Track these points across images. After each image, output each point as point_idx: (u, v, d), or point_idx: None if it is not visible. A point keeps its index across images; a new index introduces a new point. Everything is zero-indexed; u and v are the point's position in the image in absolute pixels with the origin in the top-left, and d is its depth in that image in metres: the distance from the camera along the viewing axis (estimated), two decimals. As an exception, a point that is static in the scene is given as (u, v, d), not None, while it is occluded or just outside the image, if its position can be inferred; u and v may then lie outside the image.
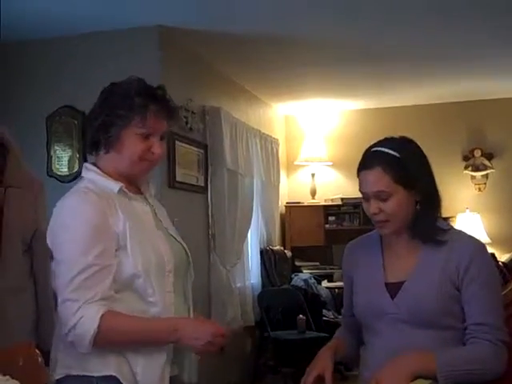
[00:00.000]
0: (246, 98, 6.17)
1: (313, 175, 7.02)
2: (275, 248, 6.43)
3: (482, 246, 1.97)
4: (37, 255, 2.64)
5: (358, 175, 1.95)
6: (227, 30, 4.51)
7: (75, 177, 4.35)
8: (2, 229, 2.53)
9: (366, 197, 1.93)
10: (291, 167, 7.25)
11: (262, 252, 6.19)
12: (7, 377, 1.35)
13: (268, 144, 6.40)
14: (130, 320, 1.84)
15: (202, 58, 5.03)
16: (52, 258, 1.88)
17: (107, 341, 1.79)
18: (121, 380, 1.83)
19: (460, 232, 2.02)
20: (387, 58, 5.30)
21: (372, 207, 1.91)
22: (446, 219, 2.09)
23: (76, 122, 4.38)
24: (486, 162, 6.79)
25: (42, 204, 2.73)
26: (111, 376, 1.83)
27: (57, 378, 1.90)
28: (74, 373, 1.86)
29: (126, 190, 1.92)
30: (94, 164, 1.96)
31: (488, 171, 6.79)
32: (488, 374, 1.81)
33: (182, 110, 4.56)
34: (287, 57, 5.17)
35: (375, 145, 1.97)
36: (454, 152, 6.83)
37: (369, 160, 1.93)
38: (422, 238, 1.94)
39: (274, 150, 6.59)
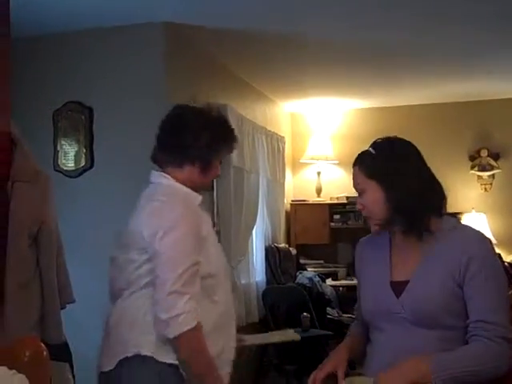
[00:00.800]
0: (253, 96, 6.16)
1: (318, 173, 7.01)
2: (280, 246, 6.43)
3: (485, 239, 1.96)
4: (42, 249, 2.65)
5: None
6: (234, 27, 4.51)
7: (81, 172, 4.38)
8: (9, 223, 2.53)
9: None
10: (297, 165, 7.25)
11: (266, 249, 6.19)
12: (13, 371, 1.36)
13: (274, 142, 6.40)
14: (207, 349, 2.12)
15: (208, 54, 5.03)
16: (155, 255, 2.11)
17: (189, 341, 2.07)
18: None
19: (465, 228, 2.00)
20: (394, 58, 5.30)
21: (358, 203, 2.03)
22: (455, 215, 2.08)
23: (83, 118, 4.39)
24: (493, 162, 6.78)
25: (49, 198, 2.73)
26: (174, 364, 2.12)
27: (129, 355, 2.13)
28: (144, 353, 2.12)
29: (200, 200, 2.27)
30: (169, 174, 2.27)
31: (494, 171, 6.78)
32: (487, 373, 1.80)
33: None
34: (294, 55, 5.17)
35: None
36: (460, 152, 6.82)
37: (355, 160, 2.05)
38: (416, 236, 1.95)
39: (280, 147, 6.58)
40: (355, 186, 2.02)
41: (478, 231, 2.00)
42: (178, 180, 2.24)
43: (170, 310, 2.04)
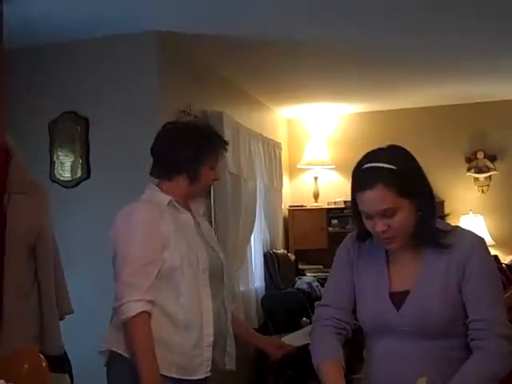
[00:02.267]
0: (249, 103, 6.17)
1: (315, 178, 7.02)
2: (278, 251, 6.43)
3: (480, 239, 1.94)
4: (40, 260, 2.65)
5: (356, 195, 1.88)
6: (228, 34, 4.51)
7: (78, 182, 4.37)
8: (6, 236, 2.53)
9: (368, 216, 1.87)
10: (294, 170, 7.26)
11: (265, 255, 6.19)
12: (2, 381, 1.36)
13: (271, 148, 6.40)
14: (148, 338, 2.22)
15: (202, 62, 5.04)
16: (115, 252, 2.31)
17: (130, 328, 2.21)
18: None
19: (458, 230, 1.97)
20: (389, 62, 5.31)
21: (378, 226, 1.84)
22: (443, 218, 2.02)
23: (78, 128, 4.38)
24: (489, 164, 6.79)
25: (46, 209, 2.74)
26: None
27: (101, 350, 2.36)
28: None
29: (175, 203, 2.39)
30: (157, 185, 2.44)
31: (491, 173, 6.78)
32: (500, 378, 1.79)
33: (183, 115, 4.57)
34: (289, 61, 5.18)
35: (366, 161, 1.89)
36: (456, 154, 6.82)
37: (367, 178, 1.84)
38: (425, 243, 1.90)
39: (277, 153, 6.59)
40: (380, 209, 1.82)
41: (471, 231, 1.97)
42: (162, 190, 2.41)
43: (117, 299, 2.23)
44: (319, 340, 2.02)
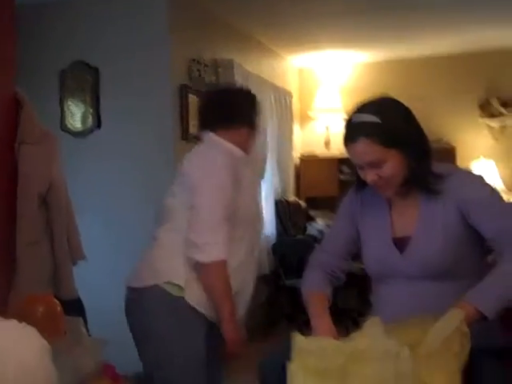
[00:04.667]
0: (259, 50, 6.12)
1: (327, 127, 7.00)
2: (290, 199, 6.47)
3: (476, 175, 1.99)
4: (52, 209, 2.70)
5: (346, 148, 1.93)
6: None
7: (89, 132, 4.41)
8: (18, 184, 2.58)
9: (359, 166, 1.93)
10: (305, 119, 7.22)
11: (276, 203, 6.22)
12: (23, 323, 1.41)
13: (281, 96, 6.37)
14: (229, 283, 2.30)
15: (212, 10, 4.98)
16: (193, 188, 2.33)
17: (217, 269, 2.27)
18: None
19: (457, 171, 2.01)
20: (403, 8, 5.21)
21: (369, 176, 1.90)
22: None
23: (89, 78, 4.39)
24: (503, 110, 6.72)
25: (57, 158, 2.77)
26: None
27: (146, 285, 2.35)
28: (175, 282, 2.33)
29: (243, 156, 2.48)
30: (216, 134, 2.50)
31: (505, 120, 6.72)
32: None
33: (194, 63, 4.55)
34: (301, 7, 5.11)
35: (354, 114, 1.93)
36: (469, 101, 6.73)
37: (351, 133, 1.90)
38: (419, 189, 1.94)
39: (288, 102, 6.56)
40: (367, 161, 1.87)
41: (470, 172, 2.03)
42: (225, 139, 2.47)
43: (204, 236, 2.25)
44: (309, 273, 2.14)
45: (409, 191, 1.96)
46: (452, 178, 1.93)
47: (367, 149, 1.86)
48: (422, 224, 1.93)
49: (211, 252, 2.24)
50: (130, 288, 2.40)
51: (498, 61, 6.65)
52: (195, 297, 2.31)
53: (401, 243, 1.95)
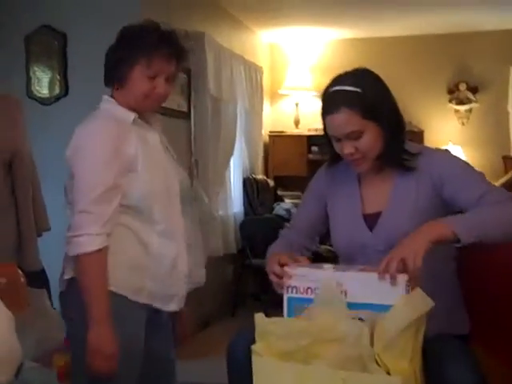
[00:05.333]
0: (231, 23, 6.02)
1: (297, 104, 6.95)
2: (258, 177, 6.43)
3: (447, 152, 2.01)
4: (17, 177, 2.60)
5: (323, 119, 1.92)
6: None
7: (56, 99, 4.29)
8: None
9: (336, 139, 1.91)
10: (275, 96, 7.17)
11: (244, 181, 6.18)
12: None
13: (252, 72, 6.30)
14: (105, 276, 1.98)
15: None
16: (72, 176, 2.04)
17: (83, 264, 1.96)
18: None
19: (427, 149, 2.02)
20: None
21: (346, 148, 1.88)
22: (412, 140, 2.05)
23: (56, 43, 4.26)
24: (471, 96, 6.76)
25: (21, 123, 2.66)
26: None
27: (67, 277, 2.06)
28: None
29: (139, 120, 2.10)
30: (112, 97, 2.13)
31: (472, 105, 6.77)
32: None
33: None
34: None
35: (332, 84, 1.92)
36: (438, 85, 6.77)
37: (332, 102, 1.89)
38: (393, 165, 1.93)
39: (258, 77, 6.49)
40: (346, 132, 1.86)
41: (441, 149, 2.06)
42: (118, 102, 2.10)
43: (75, 228, 1.96)
44: (275, 244, 2.13)
45: (382, 167, 1.96)
46: (424, 155, 1.94)
47: (348, 119, 1.85)
48: (393, 200, 1.93)
49: (77, 244, 1.95)
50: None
51: (468, 45, 6.68)
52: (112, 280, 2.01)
53: (371, 220, 1.94)
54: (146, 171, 2.02)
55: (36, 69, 4.31)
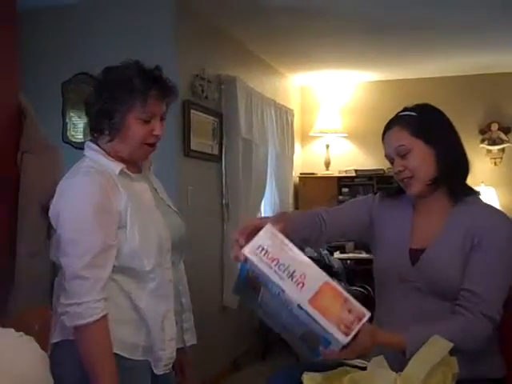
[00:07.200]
0: (262, 68, 6.13)
1: (327, 146, 6.99)
2: (288, 219, 6.43)
3: (507, 220, 1.92)
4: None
5: (383, 141, 2.01)
6: (243, -3, 4.47)
7: (91, 144, 4.37)
8: (19, 194, 2.55)
9: (390, 160, 1.98)
10: (306, 138, 7.23)
11: (275, 222, 6.19)
12: (21, 333, 1.37)
13: (283, 114, 6.37)
14: (109, 346, 1.85)
15: (217, 26, 4.99)
16: (55, 231, 1.91)
17: (83, 334, 1.83)
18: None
19: (489, 205, 2.00)
20: (405, 30, 5.24)
21: (396, 165, 1.94)
22: (477, 192, 2.03)
23: (92, 89, 4.37)
24: (503, 136, 6.73)
25: (59, 170, 2.74)
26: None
27: (54, 341, 1.95)
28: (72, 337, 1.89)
29: (126, 171, 1.96)
30: (96, 143, 1.99)
31: (504, 145, 6.73)
32: (459, 349, 1.67)
33: (197, 79, 4.54)
34: (304, 27, 5.12)
35: (397, 113, 2.02)
36: (470, 125, 6.75)
37: (389, 123, 2.00)
38: (451, 196, 1.94)
39: (289, 120, 6.56)
40: (395, 147, 1.94)
41: (502, 213, 1.97)
42: (105, 150, 1.97)
43: (70, 296, 1.82)
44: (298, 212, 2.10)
45: (436, 198, 1.95)
46: (483, 210, 1.95)
47: (397, 136, 1.94)
48: (441, 240, 1.91)
49: (75, 314, 1.81)
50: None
51: (498, 85, 6.67)
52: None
53: (416, 254, 1.93)
54: (135, 227, 1.89)
55: (72, 114, 4.44)
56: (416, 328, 1.74)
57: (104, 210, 1.85)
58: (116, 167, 1.93)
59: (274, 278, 1.54)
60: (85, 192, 1.86)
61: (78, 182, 1.89)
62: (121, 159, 1.97)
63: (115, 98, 1.92)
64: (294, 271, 1.55)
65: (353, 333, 1.51)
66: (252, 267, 1.57)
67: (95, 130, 1.99)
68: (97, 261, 1.82)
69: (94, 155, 1.97)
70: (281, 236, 1.60)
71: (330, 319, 1.52)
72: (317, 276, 1.56)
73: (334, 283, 1.56)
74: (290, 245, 1.59)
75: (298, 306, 1.52)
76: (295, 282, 1.54)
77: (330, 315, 1.52)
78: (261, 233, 1.59)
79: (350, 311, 1.53)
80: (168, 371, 2.01)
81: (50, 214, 1.92)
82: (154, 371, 1.97)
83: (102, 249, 1.83)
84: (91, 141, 2.01)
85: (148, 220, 1.94)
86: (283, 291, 1.53)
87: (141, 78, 1.94)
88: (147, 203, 1.99)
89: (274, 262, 1.56)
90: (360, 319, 1.53)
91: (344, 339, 1.51)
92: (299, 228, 1.92)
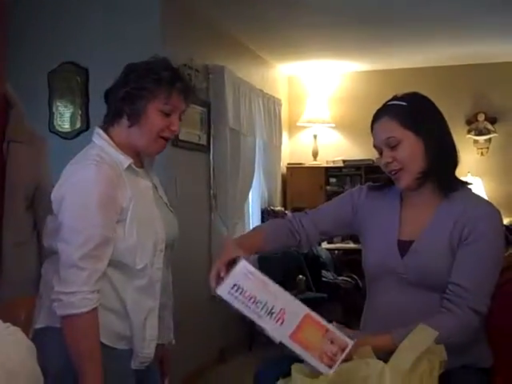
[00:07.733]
0: (250, 58, 6.12)
1: (315, 136, 7.00)
2: (276, 209, 6.45)
3: (494, 213, 1.91)
4: (39, 211, 2.65)
5: (371, 131, 1.97)
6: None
7: (77, 133, 4.36)
8: (5, 183, 2.53)
9: (379, 150, 1.95)
10: (293, 128, 7.23)
11: (262, 212, 6.21)
12: (8, 324, 1.36)
13: (271, 104, 6.37)
14: (98, 337, 1.85)
15: (205, 16, 4.97)
16: (54, 216, 1.90)
17: (72, 324, 1.82)
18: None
19: (478, 198, 1.98)
20: (392, 20, 5.25)
21: (384, 157, 1.91)
22: (466, 183, 2.00)
23: (78, 79, 4.35)
24: (490, 126, 6.76)
25: (45, 160, 2.73)
26: None
27: (38, 327, 1.95)
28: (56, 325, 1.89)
29: (133, 166, 1.96)
30: (105, 131, 1.98)
31: (491, 135, 6.76)
32: (447, 343, 1.66)
33: (185, 68, 4.52)
34: (292, 17, 5.12)
35: (386, 102, 1.99)
36: (457, 116, 6.77)
37: (377, 114, 1.95)
38: (440, 189, 1.91)
39: (277, 110, 6.56)
40: (384, 138, 1.90)
41: (491, 204, 1.95)
42: (114, 140, 1.95)
43: (64, 284, 1.81)
44: (271, 222, 2.21)
45: (425, 190, 1.94)
46: (473, 202, 1.92)
47: (386, 126, 1.90)
48: (429, 232, 1.90)
49: (69, 303, 1.80)
50: None
51: (485, 75, 6.70)
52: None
53: (404, 246, 1.93)
54: (133, 224, 1.88)
55: (58, 104, 4.41)
56: (402, 330, 1.72)
57: (109, 202, 1.84)
58: (124, 161, 1.92)
59: (253, 316, 1.56)
60: (92, 181, 1.83)
61: (86, 170, 1.86)
62: (134, 150, 1.97)
63: (142, 85, 1.92)
64: (272, 307, 1.56)
65: (336, 364, 1.52)
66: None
67: (114, 115, 1.97)
68: (96, 252, 1.82)
69: (103, 144, 1.94)
70: (257, 272, 1.60)
71: (312, 352, 1.53)
72: (297, 310, 1.57)
73: (315, 314, 1.57)
74: (267, 279, 1.59)
75: (280, 342, 1.53)
76: (275, 318, 1.55)
77: (312, 348, 1.53)
78: (235, 270, 1.59)
79: (332, 342, 1.54)
80: (143, 368, 2.00)
81: (53, 197, 1.90)
82: (131, 364, 1.98)
83: (102, 241, 1.83)
84: (101, 128, 2.00)
85: (147, 219, 1.94)
86: (263, 330, 1.54)
87: (168, 72, 1.95)
88: (148, 202, 1.99)
89: (251, 301, 1.57)
90: (343, 350, 1.54)
91: (327, 371, 1.52)
92: (273, 245, 2.04)
